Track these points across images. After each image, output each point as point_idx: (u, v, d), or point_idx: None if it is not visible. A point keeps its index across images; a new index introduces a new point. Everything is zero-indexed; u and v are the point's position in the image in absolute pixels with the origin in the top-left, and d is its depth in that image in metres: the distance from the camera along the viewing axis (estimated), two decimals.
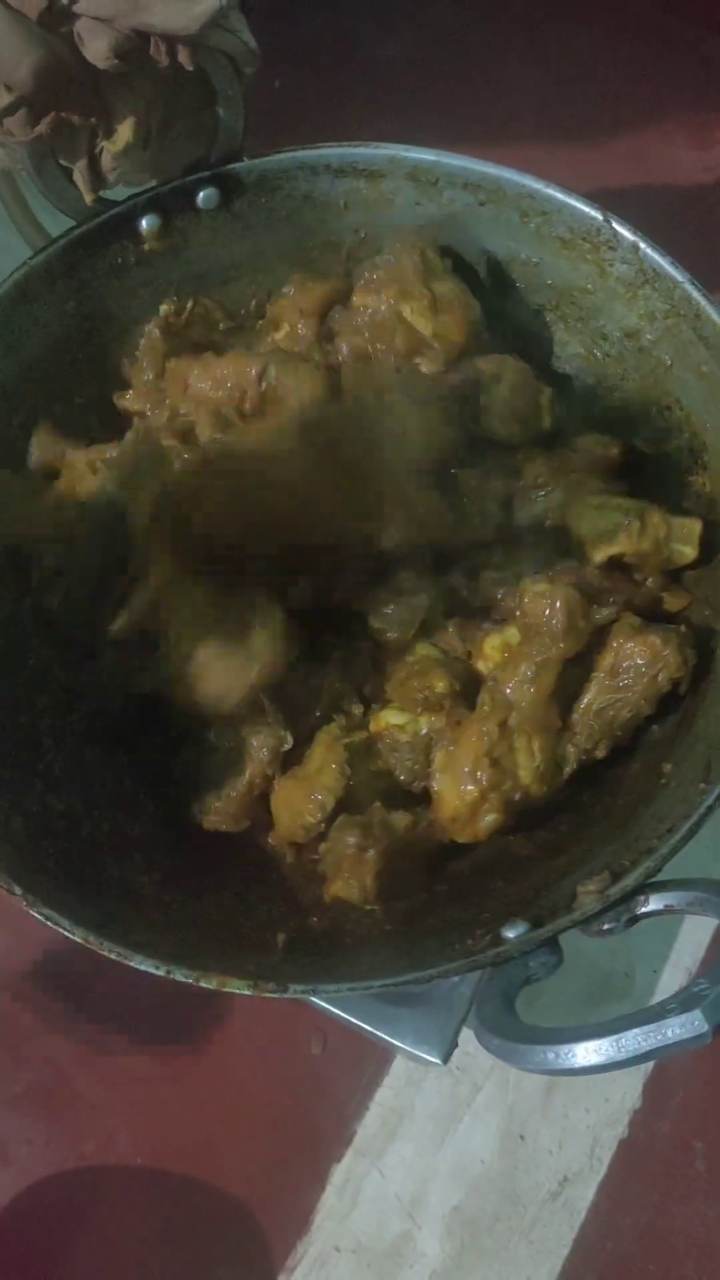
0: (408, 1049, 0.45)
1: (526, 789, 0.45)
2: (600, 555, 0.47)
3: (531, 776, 0.45)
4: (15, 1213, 0.52)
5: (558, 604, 0.45)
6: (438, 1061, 0.45)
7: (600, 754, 0.46)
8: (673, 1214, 0.54)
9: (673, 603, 0.48)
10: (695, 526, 0.48)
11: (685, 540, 0.48)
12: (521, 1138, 0.54)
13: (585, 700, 0.45)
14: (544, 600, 0.45)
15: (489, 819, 0.45)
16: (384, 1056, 0.55)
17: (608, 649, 0.45)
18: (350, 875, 0.44)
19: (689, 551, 0.48)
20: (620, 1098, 0.55)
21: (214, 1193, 0.53)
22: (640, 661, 0.45)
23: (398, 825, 0.45)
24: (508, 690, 0.45)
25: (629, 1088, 0.55)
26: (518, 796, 0.45)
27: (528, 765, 0.45)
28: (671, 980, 0.57)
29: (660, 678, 0.45)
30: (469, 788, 0.44)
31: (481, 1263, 0.52)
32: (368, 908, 0.44)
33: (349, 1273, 0.52)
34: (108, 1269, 0.52)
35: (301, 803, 0.45)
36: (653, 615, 0.47)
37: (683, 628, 0.46)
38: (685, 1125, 0.55)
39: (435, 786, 0.46)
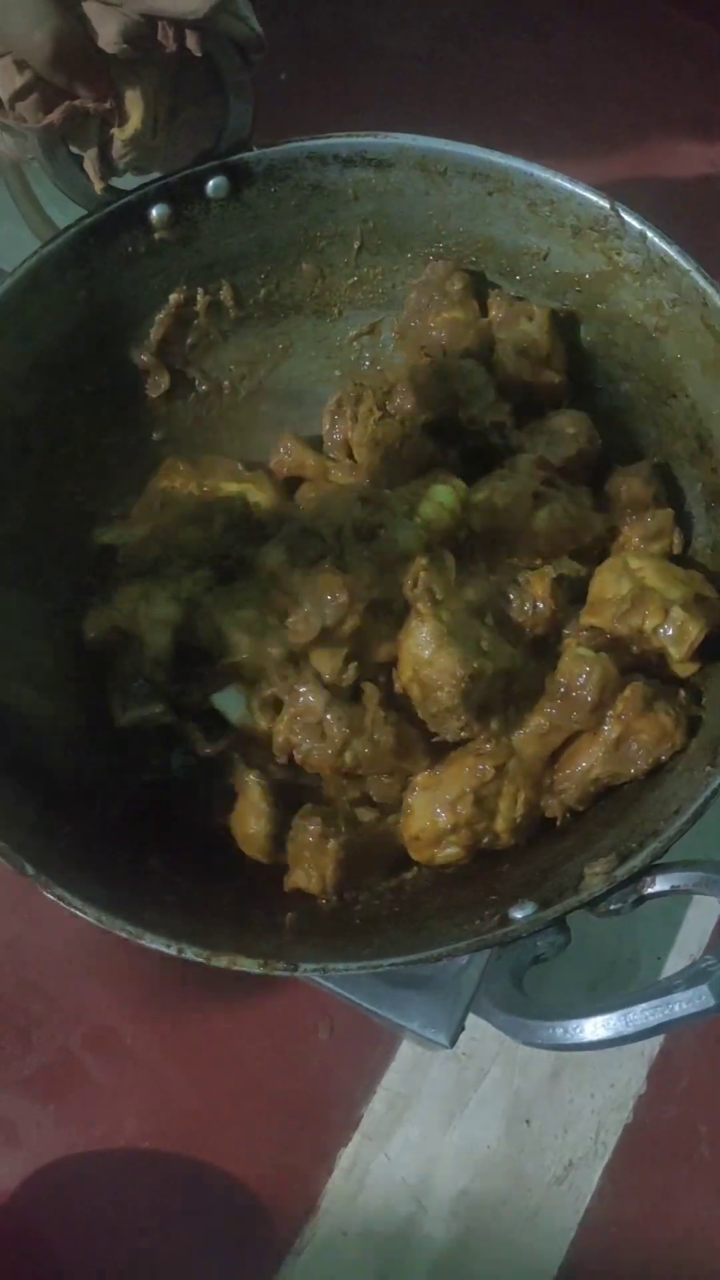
0: (415, 1031, 0.45)
1: (497, 835, 0.45)
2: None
3: (507, 826, 0.45)
4: (25, 1194, 0.53)
5: (595, 677, 0.44)
6: (445, 1044, 0.45)
7: (581, 808, 0.46)
8: (677, 1198, 0.54)
9: (682, 669, 0.47)
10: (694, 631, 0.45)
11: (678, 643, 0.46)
12: (527, 1122, 0.55)
13: (584, 765, 0.45)
14: (583, 666, 0.44)
15: (450, 851, 0.45)
16: (390, 1041, 0.56)
17: (616, 721, 0.44)
18: (310, 865, 0.44)
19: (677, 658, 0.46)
20: (626, 1083, 0.56)
21: (222, 1176, 0.53)
22: (647, 738, 0.44)
23: (361, 819, 0.46)
24: (516, 735, 0.45)
25: (634, 1073, 0.56)
26: (485, 840, 0.45)
27: (508, 815, 0.45)
28: (676, 967, 0.57)
29: (664, 755, 0.44)
30: (443, 815, 0.45)
31: (487, 1246, 0.53)
32: (324, 902, 0.44)
33: (356, 1255, 0.52)
34: (116, 1250, 0.52)
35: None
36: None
37: (682, 694, 0.45)
38: (690, 1110, 0.56)
39: (410, 800, 0.46)
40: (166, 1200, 0.53)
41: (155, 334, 0.53)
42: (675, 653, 0.45)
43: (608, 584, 0.47)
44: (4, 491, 0.49)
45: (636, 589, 0.46)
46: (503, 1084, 0.55)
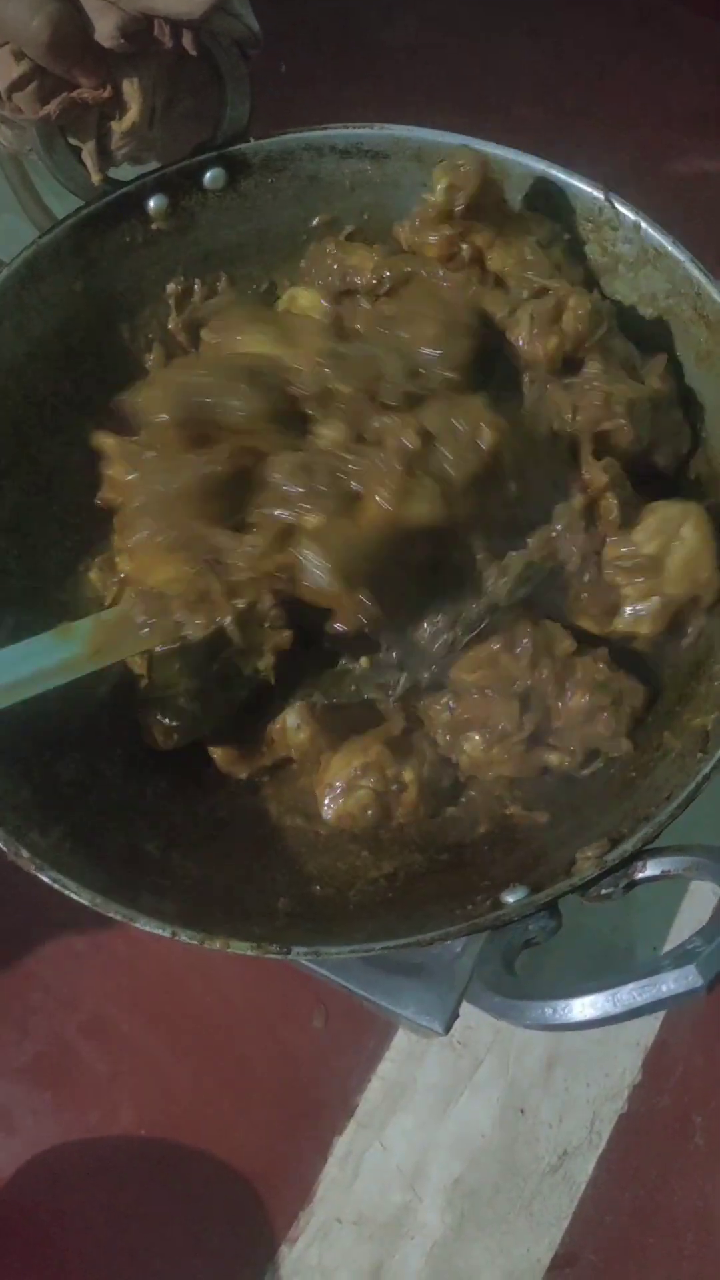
0: (410, 1018, 0.45)
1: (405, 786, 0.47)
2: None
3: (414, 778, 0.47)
4: (21, 1182, 0.53)
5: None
6: (439, 1030, 0.45)
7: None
8: (671, 1187, 0.54)
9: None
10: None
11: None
12: (522, 1111, 0.55)
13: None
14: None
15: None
16: (385, 1030, 0.56)
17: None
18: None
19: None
20: (620, 1073, 0.56)
21: (217, 1164, 0.53)
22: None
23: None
24: None
25: (629, 1063, 0.56)
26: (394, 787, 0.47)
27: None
28: None
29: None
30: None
31: (482, 1234, 0.53)
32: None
33: (351, 1243, 0.53)
34: (112, 1238, 0.52)
35: None
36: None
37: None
38: (684, 1100, 0.56)
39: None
40: (162, 1187, 0.53)
41: (153, 324, 0.54)
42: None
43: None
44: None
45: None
46: (498, 1073, 0.55)
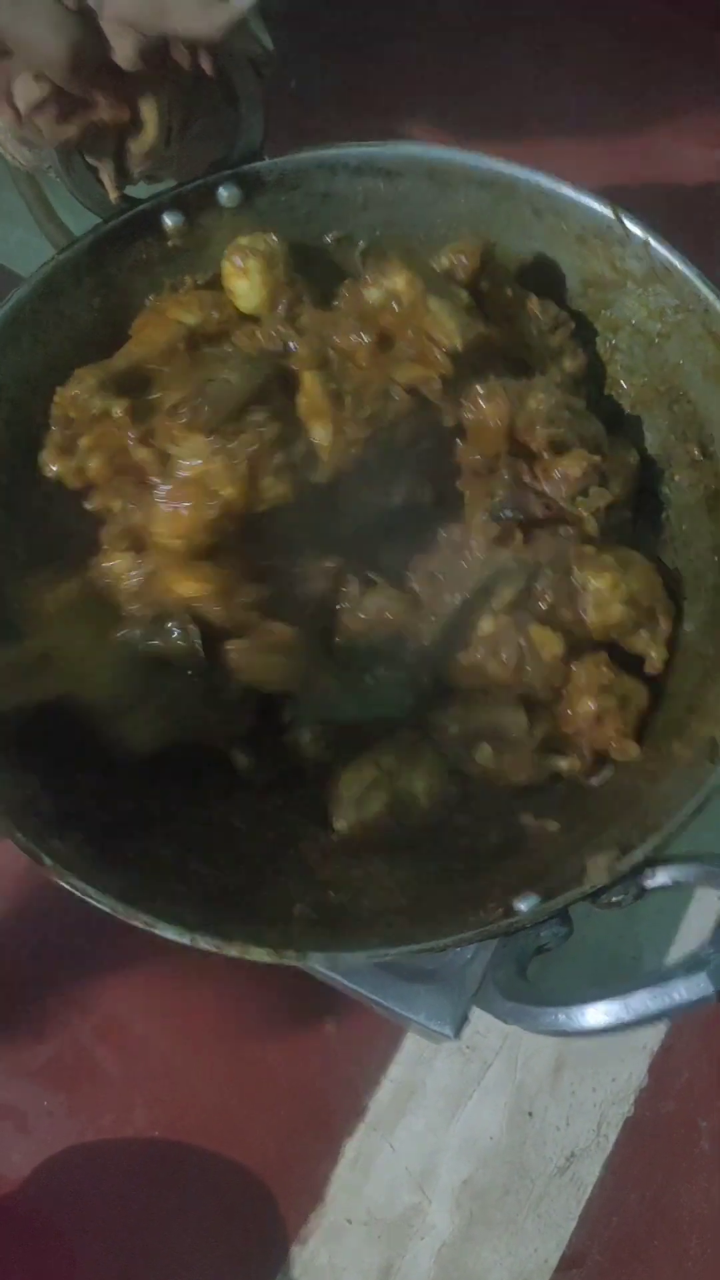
0: (421, 1023, 0.46)
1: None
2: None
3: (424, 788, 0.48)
4: (35, 1183, 0.54)
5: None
6: (450, 1035, 0.46)
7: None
8: (677, 1191, 0.55)
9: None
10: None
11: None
12: (530, 1114, 0.56)
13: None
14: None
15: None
16: (395, 1034, 0.57)
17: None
18: None
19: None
20: (627, 1077, 0.57)
21: (229, 1165, 0.54)
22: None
23: None
24: None
25: (635, 1067, 0.57)
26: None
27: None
28: None
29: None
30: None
31: (490, 1235, 0.54)
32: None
33: (361, 1243, 0.53)
34: (125, 1239, 0.53)
35: None
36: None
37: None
38: (690, 1105, 0.56)
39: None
40: (174, 1188, 0.54)
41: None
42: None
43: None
44: (15, 491, 0.50)
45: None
46: (506, 1077, 0.56)
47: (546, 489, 0.48)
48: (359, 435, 0.46)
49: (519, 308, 0.51)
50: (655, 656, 0.49)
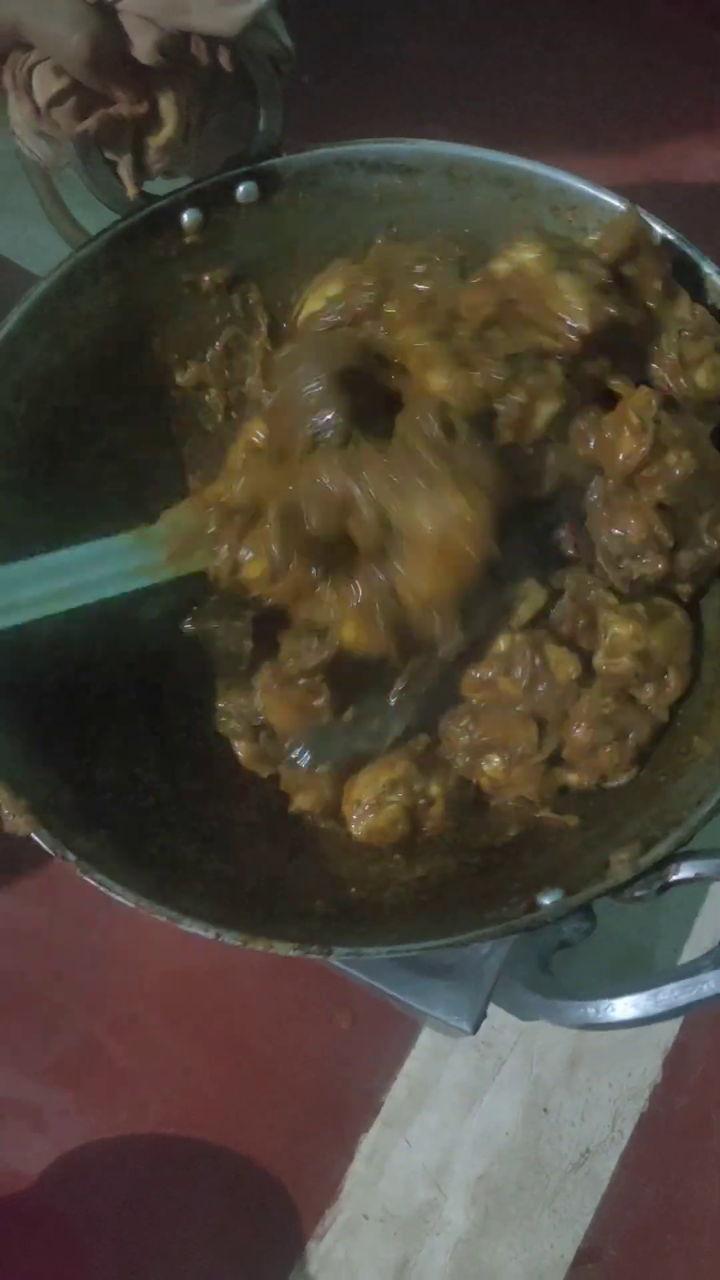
0: (439, 1017, 0.46)
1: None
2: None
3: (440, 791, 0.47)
4: (50, 1179, 0.54)
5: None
6: (468, 1030, 0.46)
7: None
8: (691, 1186, 0.55)
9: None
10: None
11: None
12: (545, 1110, 0.56)
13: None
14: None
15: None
16: (410, 1030, 0.57)
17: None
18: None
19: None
20: (641, 1072, 0.57)
21: (244, 1162, 0.54)
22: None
23: None
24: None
25: (650, 1063, 0.57)
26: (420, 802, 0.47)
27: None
28: (693, 957, 0.58)
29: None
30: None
31: (506, 1230, 0.54)
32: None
33: (377, 1239, 0.53)
34: (139, 1235, 0.53)
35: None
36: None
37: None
38: (704, 1100, 0.56)
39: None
40: (189, 1185, 0.54)
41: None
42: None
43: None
44: (34, 490, 0.50)
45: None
46: (521, 1072, 0.56)
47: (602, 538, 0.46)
48: None
49: (667, 304, 0.47)
50: (653, 713, 0.47)
